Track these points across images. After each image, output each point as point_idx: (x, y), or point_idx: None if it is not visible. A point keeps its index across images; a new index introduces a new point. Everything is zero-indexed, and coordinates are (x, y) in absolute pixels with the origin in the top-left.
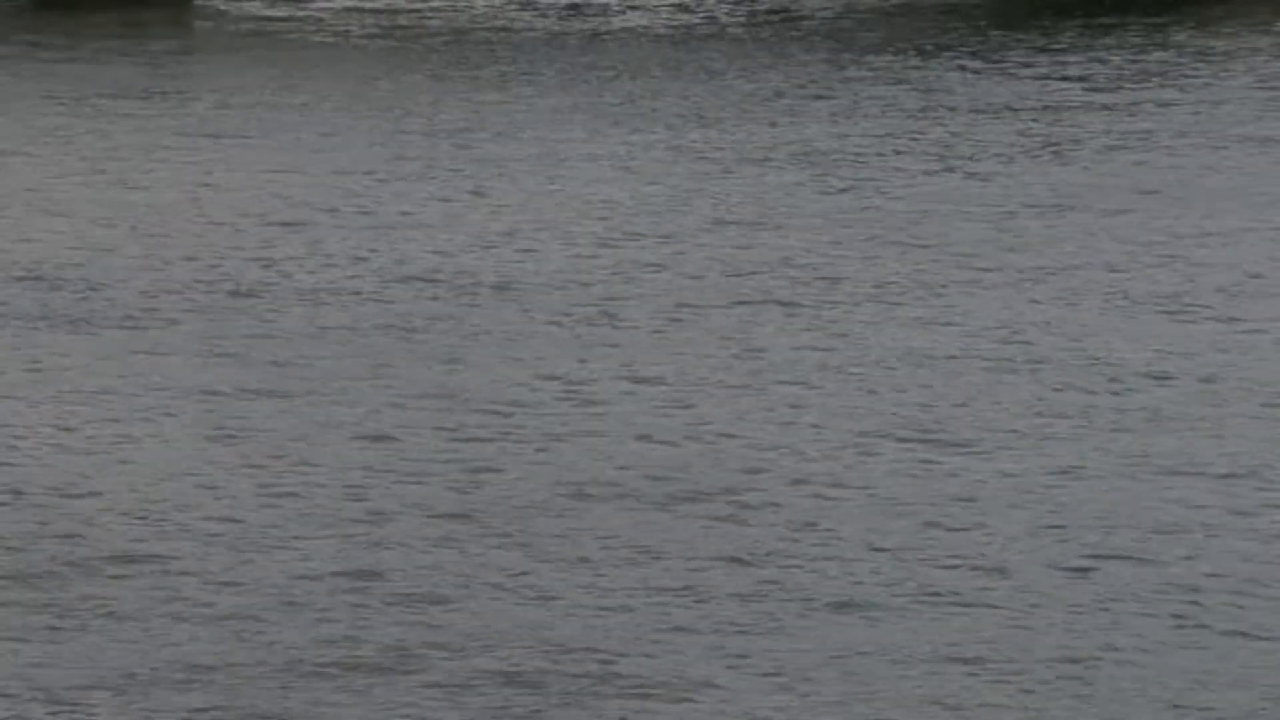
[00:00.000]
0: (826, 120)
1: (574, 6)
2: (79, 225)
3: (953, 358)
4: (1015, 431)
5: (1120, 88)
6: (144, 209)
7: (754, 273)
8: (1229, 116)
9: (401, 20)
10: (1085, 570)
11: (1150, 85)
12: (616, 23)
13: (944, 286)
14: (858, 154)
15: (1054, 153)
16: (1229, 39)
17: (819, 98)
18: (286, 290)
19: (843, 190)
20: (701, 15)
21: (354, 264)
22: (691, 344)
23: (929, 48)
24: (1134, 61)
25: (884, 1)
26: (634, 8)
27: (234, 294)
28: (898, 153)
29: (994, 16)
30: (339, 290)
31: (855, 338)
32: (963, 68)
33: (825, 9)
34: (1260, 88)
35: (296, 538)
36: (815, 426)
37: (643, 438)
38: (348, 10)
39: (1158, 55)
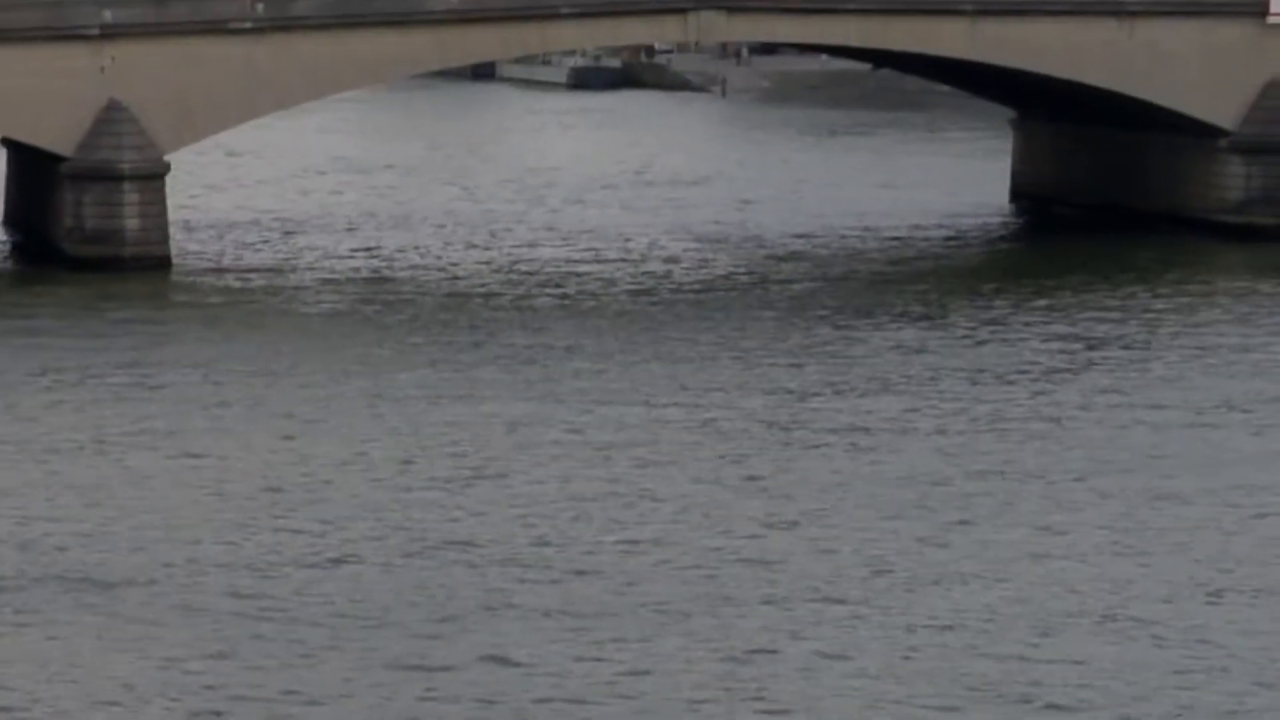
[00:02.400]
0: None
1: (551, 275)
2: (67, 499)
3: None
4: None
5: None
6: (130, 482)
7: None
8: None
9: (379, 291)
10: None
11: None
12: (588, 288)
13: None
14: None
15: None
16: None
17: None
18: (283, 567)
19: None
20: (678, 281)
21: (342, 538)
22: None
23: (893, 313)
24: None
25: (855, 273)
26: (603, 270)
27: (226, 568)
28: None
29: (947, 287)
30: (335, 562)
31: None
32: (904, 331)
33: (798, 279)
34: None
35: None
36: None
37: None
38: (326, 281)
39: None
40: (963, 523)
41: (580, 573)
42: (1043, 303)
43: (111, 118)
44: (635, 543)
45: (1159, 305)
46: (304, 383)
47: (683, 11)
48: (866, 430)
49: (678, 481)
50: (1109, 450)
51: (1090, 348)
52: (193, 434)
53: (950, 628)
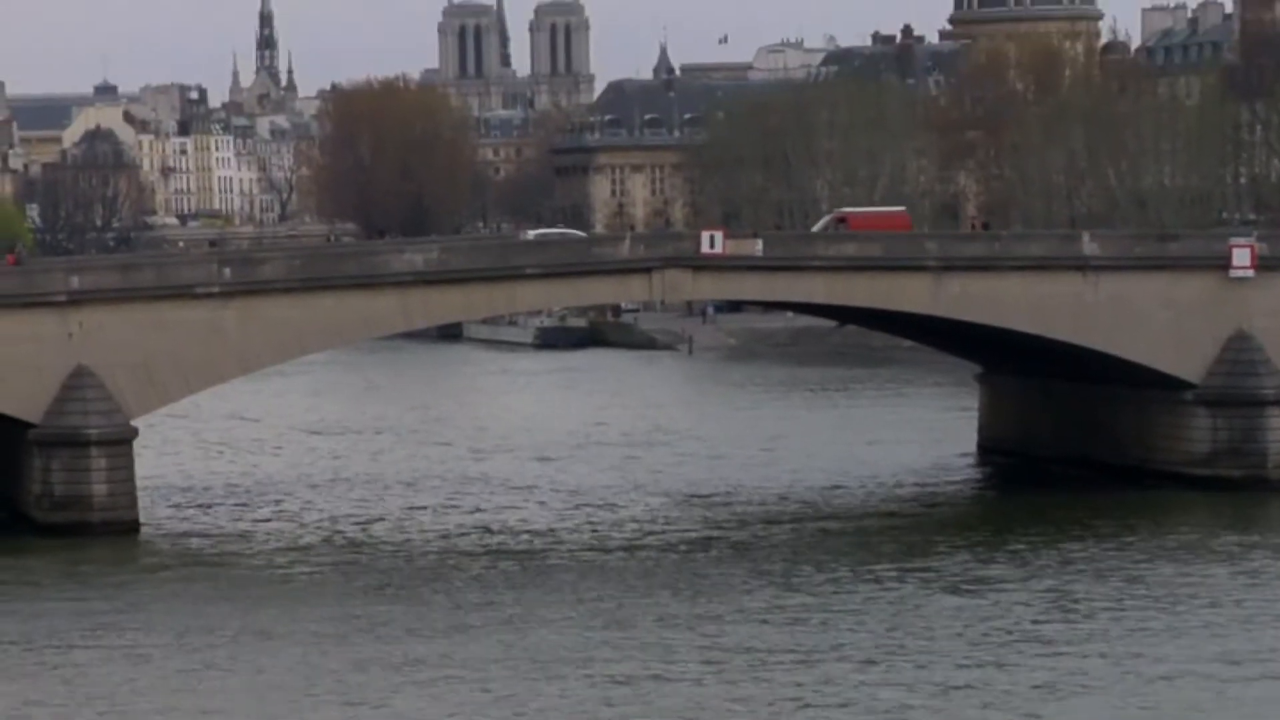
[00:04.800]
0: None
1: (523, 537)
2: None
3: None
4: None
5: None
6: None
7: None
8: None
9: (349, 555)
10: None
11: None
12: (560, 549)
13: None
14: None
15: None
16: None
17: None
18: None
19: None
20: (649, 540)
21: None
22: None
23: (856, 567)
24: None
25: (826, 530)
26: (575, 531)
27: None
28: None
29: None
30: None
31: None
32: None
33: (769, 536)
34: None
35: None
36: None
37: None
38: (296, 545)
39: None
40: None
41: None
42: (1016, 557)
43: (79, 383)
44: None
45: (1133, 558)
46: (273, 654)
47: (648, 270)
48: (846, 688)
49: None
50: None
51: (1067, 602)
52: (158, 705)
53: None
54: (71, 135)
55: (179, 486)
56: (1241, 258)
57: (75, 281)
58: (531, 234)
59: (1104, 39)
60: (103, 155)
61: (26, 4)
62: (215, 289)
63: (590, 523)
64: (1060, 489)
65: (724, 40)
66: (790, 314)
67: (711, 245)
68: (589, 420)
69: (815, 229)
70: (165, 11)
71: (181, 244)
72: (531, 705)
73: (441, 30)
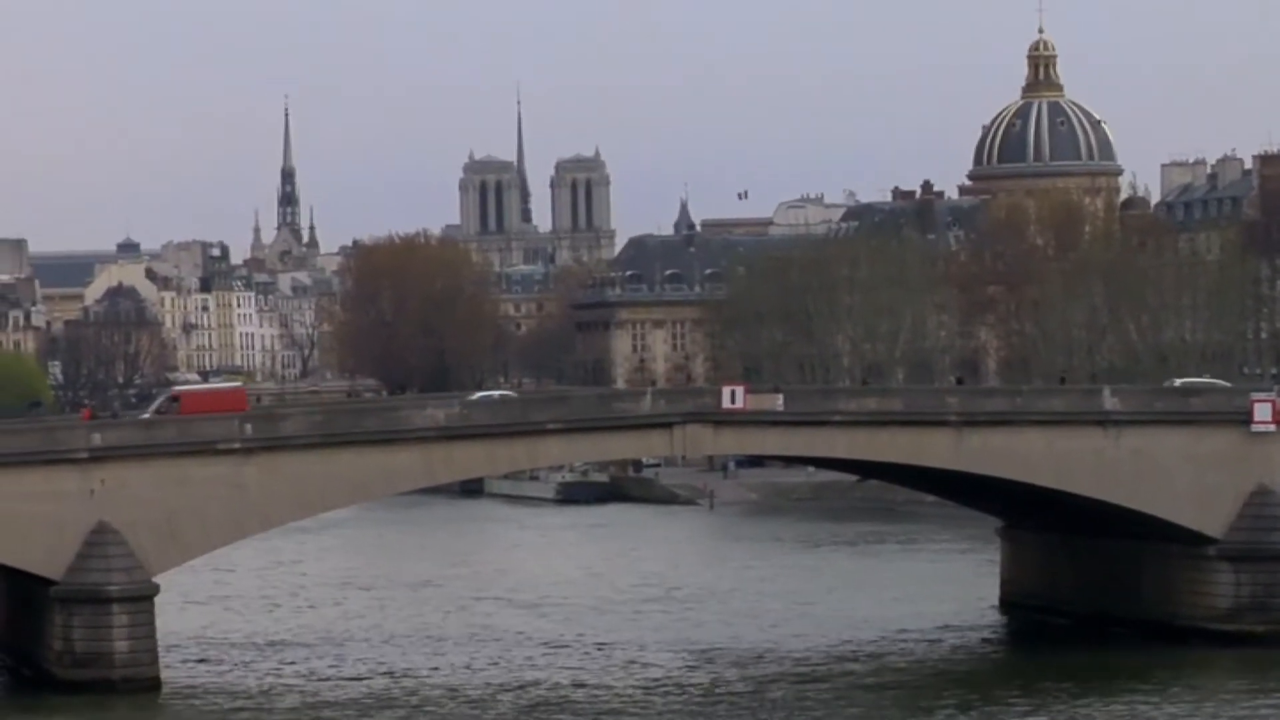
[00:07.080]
0: None
1: (544, 693)
2: None
3: None
4: None
5: None
6: None
7: None
8: None
9: (371, 715)
10: None
11: None
12: (586, 705)
13: None
14: None
15: None
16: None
17: None
18: None
19: None
20: (669, 696)
21: None
22: None
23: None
24: None
25: (850, 686)
26: (595, 687)
27: None
28: None
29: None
30: None
31: None
32: None
33: (791, 691)
34: None
35: None
36: None
37: None
38: (318, 703)
39: None
40: None
41: None
42: (1038, 714)
43: (100, 540)
44: None
45: (1155, 715)
46: None
47: (669, 426)
48: None
49: None
50: None
51: None
52: None
53: None
54: (93, 292)
55: (201, 642)
56: (1263, 413)
57: (98, 438)
58: (1179, 382)
59: (1124, 194)
60: (125, 312)
61: (49, 162)
62: (237, 445)
63: (612, 678)
64: (1083, 645)
65: (744, 196)
66: (811, 468)
67: (733, 400)
68: (611, 576)
69: (148, 412)
70: (188, 169)
71: None
72: None
73: (463, 186)
